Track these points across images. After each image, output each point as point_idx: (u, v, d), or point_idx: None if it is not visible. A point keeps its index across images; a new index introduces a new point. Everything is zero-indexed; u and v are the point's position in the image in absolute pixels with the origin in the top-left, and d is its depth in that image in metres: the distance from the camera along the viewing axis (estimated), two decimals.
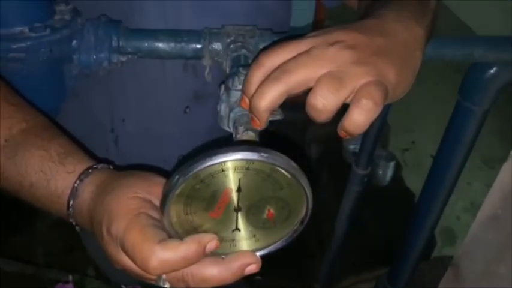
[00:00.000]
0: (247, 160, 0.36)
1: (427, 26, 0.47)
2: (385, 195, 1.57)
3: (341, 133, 0.40)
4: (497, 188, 0.74)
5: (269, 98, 0.38)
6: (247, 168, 0.36)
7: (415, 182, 1.76)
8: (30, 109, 0.48)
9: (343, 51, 0.39)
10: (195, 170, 0.35)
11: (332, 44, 0.39)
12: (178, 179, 0.36)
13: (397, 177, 1.65)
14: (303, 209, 0.40)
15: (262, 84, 0.39)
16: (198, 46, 0.58)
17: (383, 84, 0.39)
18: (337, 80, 0.37)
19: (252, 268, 0.39)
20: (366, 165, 1.02)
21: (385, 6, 0.47)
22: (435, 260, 1.44)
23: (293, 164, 0.37)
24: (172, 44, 0.57)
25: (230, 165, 0.36)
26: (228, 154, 0.35)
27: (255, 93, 0.39)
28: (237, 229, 0.40)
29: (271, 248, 0.41)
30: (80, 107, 0.56)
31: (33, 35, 0.52)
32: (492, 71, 0.66)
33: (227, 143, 0.37)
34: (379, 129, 0.93)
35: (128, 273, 0.41)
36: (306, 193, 0.38)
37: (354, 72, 0.38)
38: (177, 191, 0.36)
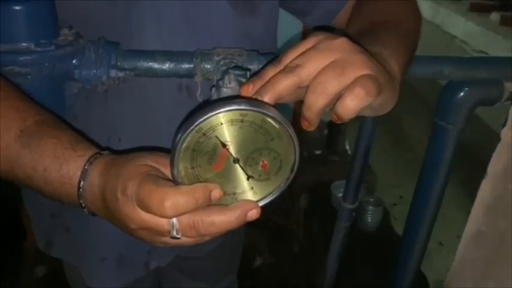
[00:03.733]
0: (242, 110, 0.40)
1: (403, 64, 0.53)
2: (375, 242, 1.58)
3: (333, 117, 0.43)
4: (478, 204, 0.77)
5: (280, 87, 0.42)
6: (242, 121, 0.41)
7: None
8: (40, 106, 0.51)
9: (348, 42, 0.44)
10: (198, 121, 0.40)
11: (337, 38, 0.44)
12: (184, 132, 0.40)
13: (386, 225, 1.66)
14: (292, 157, 0.44)
15: (275, 75, 0.43)
16: (191, 65, 0.62)
17: (378, 80, 0.43)
18: (339, 67, 0.42)
19: (253, 213, 0.43)
20: (353, 200, 1.04)
21: (369, 43, 0.52)
22: None
23: (280, 114, 0.41)
24: (167, 63, 0.62)
25: (227, 117, 0.40)
26: (226, 105, 0.40)
27: (267, 82, 0.43)
28: (251, 176, 0.44)
29: (268, 199, 0.46)
30: (77, 127, 0.59)
31: (38, 49, 0.56)
32: (463, 91, 0.71)
33: (220, 101, 0.41)
34: (365, 160, 0.96)
35: (142, 236, 0.45)
36: (293, 141, 0.43)
37: (356, 60, 0.42)
38: (184, 144, 0.41)
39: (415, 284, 0.91)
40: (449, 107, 0.73)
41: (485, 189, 0.76)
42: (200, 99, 0.69)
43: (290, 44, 0.47)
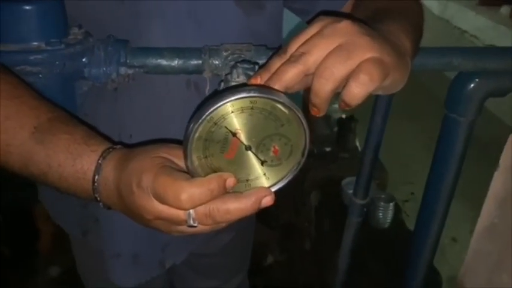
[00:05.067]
0: (251, 97, 0.40)
1: (413, 40, 0.53)
2: (387, 238, 1.57)
3: (341, 105, 0.43)
4: (491, 197, 0.76)
5: (287, 77, 0.43)
6: (252, 108, 0.41)
7: None
8: (52, 103, 0.52)
9: (353, 25, 0.43)
10: (209, 111, 0.40)
11: (341, 21, 0.44)
12: (195, 122, 0.41)
13: (398, 221, 1.65)
14: (302, 141, 0.44)
15: (282, 65, 0.44)
16: (199, 61, 0.63)
17: (384, 62, 0.43)
18: (345, 51, 0.42)
19: (268, 200, 0.43)
20: (364, 195, 1.03)
21: (377, 22, 0.52)
22: None
23: (289, 99, 0.42)
24: (175, 60, 0.63)
25: (237, 105, 0.41)
26: (236, 93, 0.40)
27: (274, 73, 0.44)
28: (264, 161, 0.44)
29: (280, 184, 0.46)
30: (88, 124, 0.60)
31: (49, 48, 0.57)
32: (474, 82, 0.71)
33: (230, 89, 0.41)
34: (375, 154, 0.96)
35: (158, 226, 0.45)
36: (303, 125, 0.43)
37: (361, 42, 0.42)
38: (196, 134, 0.41)
39: (428, 280, 0.91)
40: (460, 99, 0.72)
41: (497, 182, 0.75)
42: (208, 94, 0.69)
43: (295, 32, 0.47)
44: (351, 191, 1.21)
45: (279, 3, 0.74)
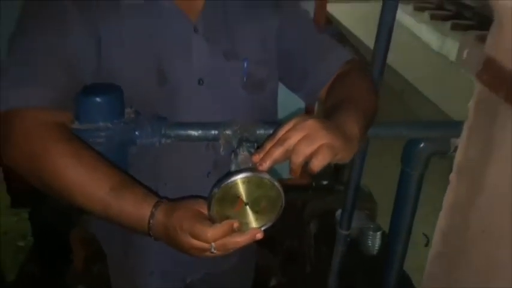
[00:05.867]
0: (250, 176, 0.66)
1: (361, 126, 0.76)
2: (375, 264, 1.78)
3: (308, 170, 0.67)
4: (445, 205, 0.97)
5: (275, 155, 0.66)
6: (249, 182, 0.66)
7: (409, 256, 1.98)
8: (115, 167, 0.77)
9: (315, 122, 0.67)
10: (224, 183, 0.65)
11: (309, 119, 0.68)
12: (216, 191, 0.66)
13: (386, 247, 1.86)
14: (280, 201, 0.69)
15: (272, 147, 0.67)
16: (216, 132, 0.87)
17: (334, 147, 0.67)
18: (310, 139, 0.66)
19: (258, 236, 0.68)
20: (347, 227, 1.26)
21: (336, 114, 0.76)
22: None
23: (271, 176, 0.66)
24: (200, 131, 0.87)
25: (242, 180, 0.66)
26: (242, 174, 0.66)
27: (267, 152, 0.67)
28: (256, 212, 0.69)
29: (266, 226, 0.70)
30: (132, 173, 0.84)
31: (113, 127, 0.82)
32: (420, 146, 0.94)
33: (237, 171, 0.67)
34: (354, 193, 1.19)
35: (191, 253, 0.70)
36: (281, 192, 0.68)
37: (320, 134, 0.66)
38: (216, 196, 0.66)
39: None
40: (411, 158, 0.96)
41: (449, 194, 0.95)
42: (222, 154, 0.94)
43: (292, 115, 0.72)
44: None
45: (275, 84, 1.00)
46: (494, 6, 0.79)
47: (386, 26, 1.01)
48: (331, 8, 5.26)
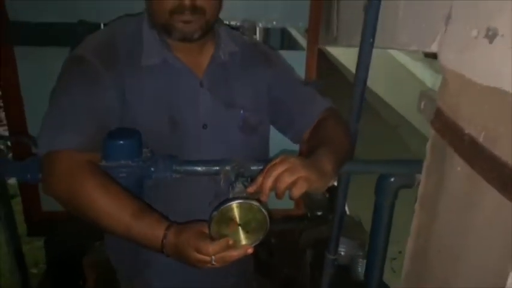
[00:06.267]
0: (242, 202, 0.83)
1: (334, 162, 0.94)
2: None
3: (289, 196, 0.84)
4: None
5: (266, 188, 0.84)
6: (241, 206, 0.83)
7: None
8: (134, 196, 0.94)
9: (297, 159, 0.85)
10: (221, 208, 0.82)
11: (291, 157, 0.86)
12: (215, 214, 0.83)
13: None
14: (266, 224, 0.85)
15: (263, 180, 0.85)
16: (218, 168, 1.05)
17: (310, 179, 0.84)
18: (290, 172, 0.84)
19: (250, 250, 0.85)
20: (334, 251, 1.42)
21: (314, 153, 0.94)
22: None
23: (258, 203, 0.83)
24: (204, 167, 1.05)
25: (236, 205, 0.83)
26: (235, 201, 0.83)
27: (259, 186, 0.85)
28: (247, 231, 0.85)
29: (256, 242, 0.86)
30: (149, 202, 1.01)
31: (133, 164, 1.00)
32: (390, 180, 1.12)
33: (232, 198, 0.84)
34: (340, 220, 1.36)
35: (196, 265, 0.86)
36: (266, 216, 0.84)
37: (298, 168, 0.84)
38: (215, 218, 0.83)
39: None
40: (382, 190, 1.13)
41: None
42: (223, 186, 1.11)
43: (282, 152, 0.90)
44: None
45: (267, 127, 1.19)
46: (441, 64, 0.99)
47: (363, 72, 1.16)
48: (336, 52, 5.53)
